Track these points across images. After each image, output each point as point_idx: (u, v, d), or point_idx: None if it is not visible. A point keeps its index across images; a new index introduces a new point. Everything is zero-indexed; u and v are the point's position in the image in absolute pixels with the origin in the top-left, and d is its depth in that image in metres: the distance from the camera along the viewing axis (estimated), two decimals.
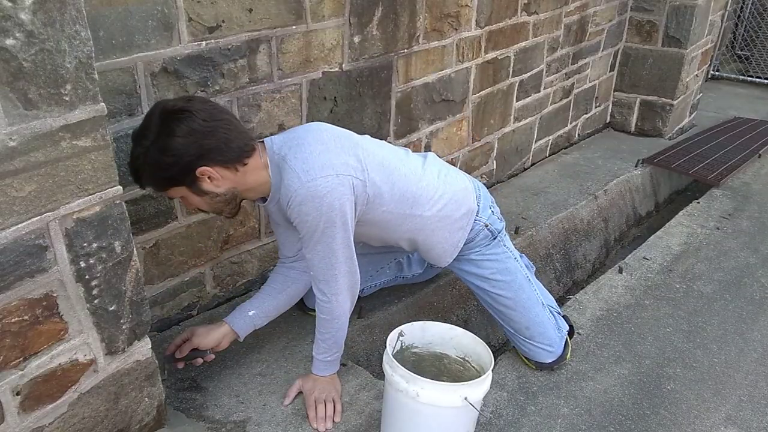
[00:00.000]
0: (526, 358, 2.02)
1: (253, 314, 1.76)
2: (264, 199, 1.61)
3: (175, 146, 1.37)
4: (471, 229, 1.83)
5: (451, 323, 2.41)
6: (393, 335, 1.62)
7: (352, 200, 1.52)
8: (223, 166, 1.45)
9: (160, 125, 1.37)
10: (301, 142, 1.53)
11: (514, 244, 2.26)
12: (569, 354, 2.03)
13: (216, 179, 1.45)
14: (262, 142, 1.57)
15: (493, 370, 1.57)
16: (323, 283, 1.60)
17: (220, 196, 1.49)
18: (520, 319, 1.92)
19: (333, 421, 1.68)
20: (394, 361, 1.51)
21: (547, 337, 1.94)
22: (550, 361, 1.97)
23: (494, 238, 1.88)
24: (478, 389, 1.47)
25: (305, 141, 1.53)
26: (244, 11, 1.83)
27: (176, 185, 1.45)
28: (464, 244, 1.84)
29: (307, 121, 2.18)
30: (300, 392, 1.76)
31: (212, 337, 1.71)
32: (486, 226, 1.85)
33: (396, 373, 1.49)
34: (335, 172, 1.49)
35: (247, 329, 1.77)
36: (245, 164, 1.48)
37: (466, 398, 1.44)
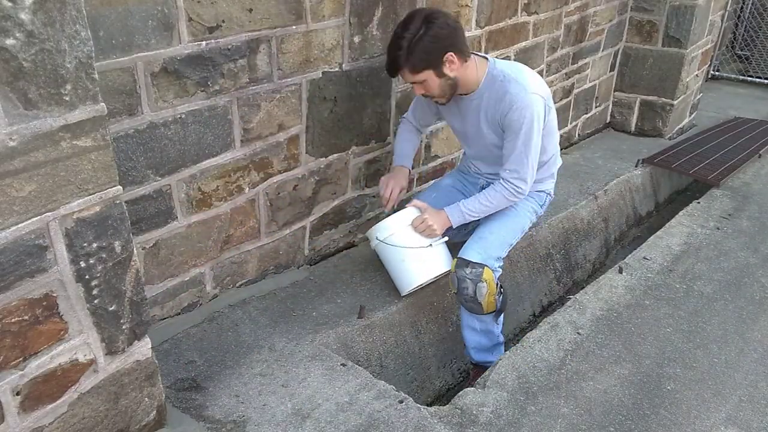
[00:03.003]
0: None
1: (412, 154, 2.40)
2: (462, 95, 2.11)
3: (439, 33, 1.87)
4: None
5: (451, 323, 2.43)
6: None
7: (542, 117, 2.05)
8: (459, 57, 1.94)
9: (424, 21, 1.86)
10: (522, 69, 2.07)
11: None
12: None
13: (454, 64, 1.94)
14: (483, 57, 2.08)
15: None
16: (515, 172, 2.09)
17: (451, 80, 1.97)
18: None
19: (425, 233, 2.14)
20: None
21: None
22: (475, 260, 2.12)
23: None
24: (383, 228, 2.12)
25: (525, 70, 2.08)
26: (244, 11, 1.83)
27: (429, 67, 1.92)
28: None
29: (308, 121, 2.19)
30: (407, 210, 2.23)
31: (406, 178, 2.32)
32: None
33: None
34: (546, 95, 2.06)
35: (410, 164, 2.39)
36: (467, 61, 1.98)
37: (377, 238, 2.12)
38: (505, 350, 2.16)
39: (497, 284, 2.14)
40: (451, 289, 2.19)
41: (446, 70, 1.94)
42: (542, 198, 2.38)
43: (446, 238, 2.20)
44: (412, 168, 2.43)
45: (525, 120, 1.99)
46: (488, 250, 2.13)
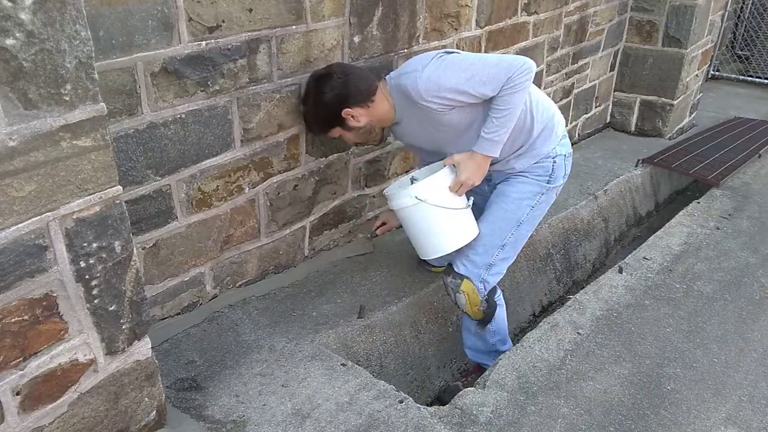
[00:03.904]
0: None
1: None
2: (394, 124, 2.04)
3: (326, 100, 1.92)
4: None
5: (451, 323, 2.43)
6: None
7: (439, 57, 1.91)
8: (359, 106, 1.92)
9: (313, 88, 1.95)
10: (407, 64, 1.98)
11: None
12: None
13: (355, 117, 1.93)
14: (383, 79, 1.99)
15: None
16: (497, 78, 1.82)
17: (363, 128, 1.97)
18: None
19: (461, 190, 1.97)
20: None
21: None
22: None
23: None
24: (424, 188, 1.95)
25: (409, 63, 1.98)
26: (244, 11, 1.83)
27: (333, 126, 1.98)
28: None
29: None
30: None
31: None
32: None
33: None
34: (433, 54, 1.92)
35: None
36: (372, 101, 1.93)
37: (416, 197, 1.95)
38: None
39: (482, 296, 2.07)
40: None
41: (351, 123, 1.95)
42: (546, 167, 2.06)
43: (471, 201, 2.03)
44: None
45: (425, 71, 1.84)
46: (475, 259, 2.04)
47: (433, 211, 1.97)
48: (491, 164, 1.98)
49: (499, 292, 2.21)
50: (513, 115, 1.85)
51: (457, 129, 1.95)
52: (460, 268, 2.05)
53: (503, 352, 2.17)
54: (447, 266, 2.11)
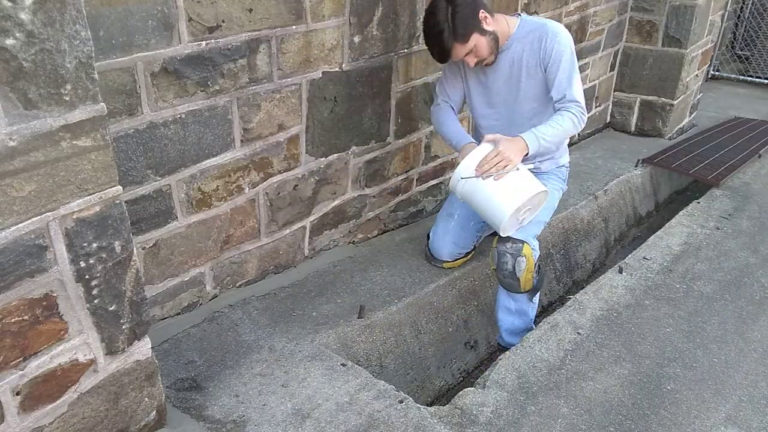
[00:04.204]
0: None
1: (466, 135, 2.36)
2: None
3: (463, 2, 2.03)
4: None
5: (451, 323, 2.43)
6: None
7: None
8: (489, 12, 2.11)
9: (447, 2, 2.03)
10: (551, 21, 2.23)
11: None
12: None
13: (488, 19, 2.10)
14: (515, 14, 2.26)
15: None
16: (570, 98, 2.16)
17: (493, 34, 2.13)
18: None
19: (497, 172, 2.05)
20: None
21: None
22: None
23: None
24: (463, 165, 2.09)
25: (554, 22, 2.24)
26: (244, 11, 1.83)
27: (474, 30, 2.07)
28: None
29: (307, 121, 2.19)
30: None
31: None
32: None
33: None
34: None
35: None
36: (494, 16, 2.15)
37: (461, 177, 2.09)
38: (506, 351, 2.16)
39: (535, 263, 2.22)
40: (491, 266, 2.29)
41: (486, 26, 2.10)
42: (563, 173, 2.48)
43: (532, 165, 2.22)
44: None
45: (566, 47, 2.15)
46: (526, 229, 2.22)
47: (479, 184, 2.07)
48: (526, 159, 2.16)
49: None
50: (561, 136, 2.17)
51: (525, 104, 2.27)
52: (518, 233, 2.20)
53: (531, 330, 2.29)
54: (499, 236, 2.21)
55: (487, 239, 2.56)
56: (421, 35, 2.47)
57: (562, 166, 2.47)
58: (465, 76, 2.34)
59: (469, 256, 2.55)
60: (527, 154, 2.09)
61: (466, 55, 2.11)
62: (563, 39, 2.15)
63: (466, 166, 2.08)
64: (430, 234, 2.50)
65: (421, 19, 2.43)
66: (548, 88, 2.20)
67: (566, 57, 2.14)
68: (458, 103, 2.42)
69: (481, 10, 2.08)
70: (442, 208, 2.56)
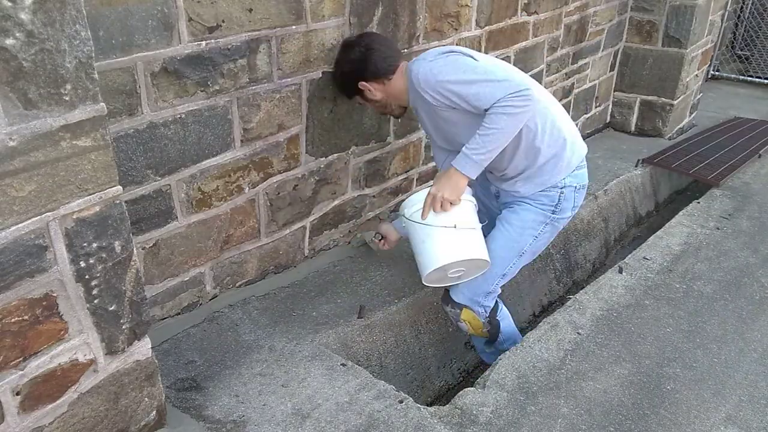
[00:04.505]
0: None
1: None
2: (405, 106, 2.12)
3: (344, 70, 2.06)
4: None
5: (451, 323, 2.42)
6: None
7: (447, 54, 1.95)
8: (374, 81, 2.02)
9: (337, 58, 2.07)
10: (423, 57, 1.98)
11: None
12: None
13: (370, 90, 2.03)
14: (405, 62, 2.05)
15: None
16: (491, 96, 1.78)
17: (378, 101, 2.07)
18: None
19: (442, 209, 1.90)
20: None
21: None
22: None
23: None
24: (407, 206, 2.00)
25: (427, 55, 1.98)
26: (244, 11, 1.83)
27: (352, 94, 2.10)
28: None
29: (307, 121, 2.19)
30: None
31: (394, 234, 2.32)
32: None
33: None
34: (448, 49, 1.97)
35: None
36: (390, 79, 2.01)
37: (403, 215, 2.02)
38: (506, 351, 2.16)
39: (484, 320, 2.13)
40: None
41: (368, 95, 2.06)
42: (553, 198, 2.00)
43: (479, 225, 1.98)
44: None
45: (442, 76, 1.84)
46: (475, 288, 2.07)
47: (419, 229, 1.95)
48: (499, 179, 2.04)
49: (500, 305, 2.21)
50: (499, 137, 1.79)
51: (456, 129, 1.93)
52: (458, 296, 2.08)
53: (516, 339, 2.24)
54: (445, 293, 2.13)
55: None
56: (422, 35, 2.48)
57: (553, 187, 1.99)
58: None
59: None
60: (470, 182, 1.89)
61: (362, 102, 2.13)
62: (428, 70, 1.86)
63: (409, 204, 2.00)
64: None
65: (421, 19, 2.44)
66: (473, 109, 1.84)
67: (452, 83, 1.82)
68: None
69: (361, 82, 2.00)
70: None
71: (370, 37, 2.09)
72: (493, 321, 2.16)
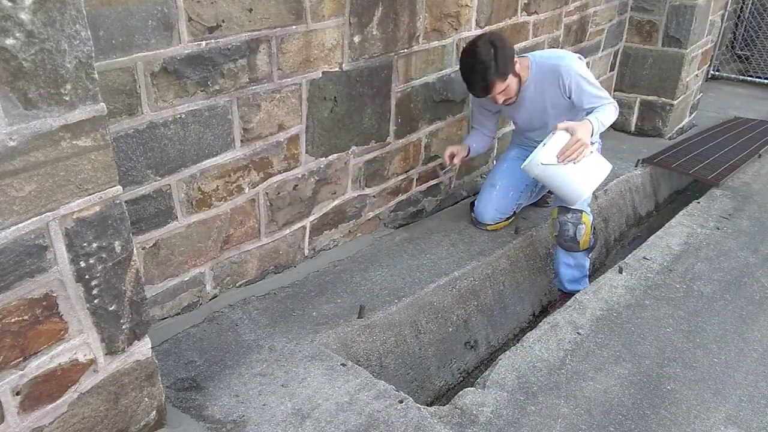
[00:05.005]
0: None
1: (474, 146, 2.79)
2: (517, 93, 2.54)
3: (506, 47, 2.36)
4: None
5: (451, 323, 2.43)
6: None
7: (582, 64, 2.54)
8: (519, 60, 2.46)
9: (490, 44, 2.33)
10: (551, 52, 2.65)
11: (513, 244, 2.74)
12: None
13: (518, 65, 2.44)
14: (524, 56, 2.55)
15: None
16: (601, 100, 2.49)
17: (519, 76, 2.46)
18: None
19: (579, 157, 2.35)
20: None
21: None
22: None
23: None
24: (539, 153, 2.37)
25: (553, 51, 2.66)
26: (244, 11, 1.83)
27: (510, 72, 2.39)
28: None
29: (307, 121, 2.19)
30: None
31: (466, 150, 2.76)
32: None
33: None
34: (575, 54, 2.57)
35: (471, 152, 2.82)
36: (516, 62, 2.44)
37: (541, 162, 2.36)
38: (506, 351, 2.16)
39: (592, 225, 2.55)
40: (552, 234, 2.64)
41: (517, 69, 2.43)
42: (598, 148, 2.67)
43: (597, 145, 2.56)
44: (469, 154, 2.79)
45: (576, 75, 2.44)
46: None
47: (560, 169, 2.35)
48: None
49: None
50: (611, 120, 2.48)
51: (559, 112, 2.54)
52: (577, 205, 2.51)
53: (588, 276, 2.71)
54: (559, 208, 2.55)
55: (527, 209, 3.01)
56: (422, 35, 2.48)
57: (594, 143, 2.64)
58: (497, 110, 2.72)
59: (510, 221, 2.88)
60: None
61: (499, 92, 2.41)
62: (575, 71, 2.44)
63: (546, 153, 2.33)
64: (475, 202, 2.87)
65: (421, 19, 2.44)
66: (578, 106, 2.50)
67: (584, 83, 2.45)
68: (492, 129, 2.83)
69: (515, 57, 2.41)
70: (486, 178, 2.95)
71: (489, 34, 2.46)
72: (594, 230, 2.61)
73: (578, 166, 2.35)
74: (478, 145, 2.81)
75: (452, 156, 2.69)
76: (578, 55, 2.56)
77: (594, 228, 2.59)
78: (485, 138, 2.84)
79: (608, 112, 2.46)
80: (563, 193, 2.47)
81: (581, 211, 2.52)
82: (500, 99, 2.46)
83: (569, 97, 2.49)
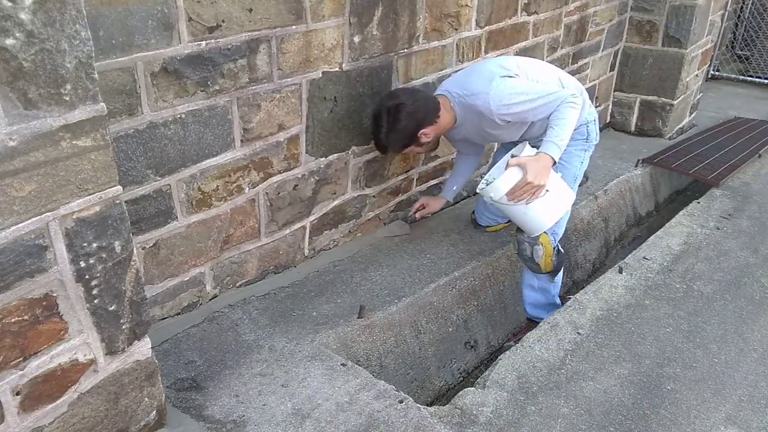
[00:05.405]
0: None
1: (456, 188, 2.73)
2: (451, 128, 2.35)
3: (405, 126, 2.20)
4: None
5: (451, 323, 2.43)
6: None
7: (508, 83, 2.20)
8: (430, 125, 2.23)
9: (389, 115, 2.19)
10: (466, 79, 2.30)
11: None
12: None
13: (428, 134, 2.25)
14: (442, 95, 2.30)
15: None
16: (552, 105, 2.15)
17: (431, 141, 2.32)
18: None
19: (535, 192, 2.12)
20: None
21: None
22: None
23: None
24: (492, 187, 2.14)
25: (467, 75, 2.32)
26: (244, 11, 1.83)
27: (408, 147, 2.29)
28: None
29: (307, 121, 2.19)
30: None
31: (440, 205, 2.78)
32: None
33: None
34: (498, 64, 2.28)
35: (454, 195, 2.77)
36: (438, 116, 2.24)
37: (491, 197, 2.16)
38: (506, 351, 2.16)
39: (554, 247, 2.36)
40: (513, 249, 2.49)
41: (423, 140, 2.26)
42: (582, 132, 2.41)
43: (559, 174, 2.24)
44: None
45: (503, 106, 2.15)
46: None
47: (511, 208, 2.20)
48: (540, 135, 2.25)
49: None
50: (569, 124, 2.13)
51: (511, 131, 2.34)
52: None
53: (558, 306, 2.48)
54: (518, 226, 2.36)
55: None
56: (422, 35, 2.48)
57: (581, 125, 2.39)
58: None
59: (509, 222, 2.70)
60: (555, 163, 2.13)
61: (412, 151, 2.36)
62: (499, 103, 2.14)
63: (496, 189, 2.12)
64: (475, 206, 2.84)
65: (421, 19, 2.44)
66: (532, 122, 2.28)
67: (517, 107, 2.15)
68: (476, 147, 2.64)
69: (421, 130, 2.21)
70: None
71: (405, 92, 2.27)
72: (559, 251, 2.42)
73: (531, 206, 2.15)
74: (467, 171, 2.71)
75: (421, 208, 2.71)
76: (499, 58, 2.35)
77: (558, 251, 2.40)
78: (471, 158, 2.69)
79: (566, 116, 2.12)
80: (518, 223, 2.33)
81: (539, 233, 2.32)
82: (421, 150, 2.36)
83: (508, 123, 2.23)
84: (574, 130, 2.30)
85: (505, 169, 2.14)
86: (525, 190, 2.09)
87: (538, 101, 2.14)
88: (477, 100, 2.18)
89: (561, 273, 2.53)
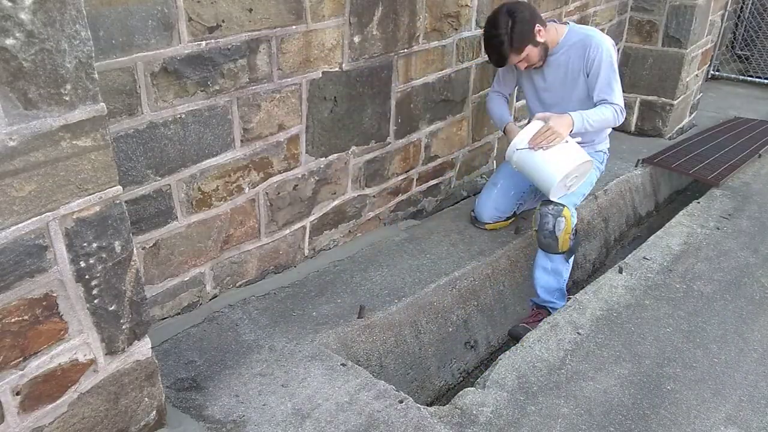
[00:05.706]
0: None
1: (508, 116, 2.80)
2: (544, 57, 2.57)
3: (524, 18, 2.37)
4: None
5: (451, 323, 2.43)
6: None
7: (614, 56, 2.57)
8: (543, 26, 2.45)
9: (509, 15, 2.36)
10: (594, 28, 2.64)
11: (514, 244, 2.74)
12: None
13: (541, 32, 2.44)
14: (564, 23, 2.61)
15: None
16: (608, 97, 2.52)
17: (544, 44, 2.48)
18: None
19: (547, 144, 2.40)
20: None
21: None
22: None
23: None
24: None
25: (597, 30, 2.63)
26: (244, 11, 1.83)
27: (527, 43, 2.41)
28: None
29: (307, 121, 2.19)
30: None
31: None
32: None
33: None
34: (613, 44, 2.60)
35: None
36: (546, 27, 2.48)
37: (516, 148, 2.47)
38: (506, 351, 2.16)
39: (573, 227, 2.48)
40: (533, 227, 2.60)
41: (538, 38, 2.44)
42: (601, 157, 2.79)
43: (579, 138, 2.49)
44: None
45: (604, 54, 2.47)
46: (567, 197, 2.54)
47: (531, 154, 2.42)
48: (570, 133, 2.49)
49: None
50: (605, 122, 2.51)
51: (572, 95, 2.59)
52: (560, 199, 2.50)
53: (567, 299, 2.56)
54: (543, 201, 2.52)
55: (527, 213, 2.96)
56: (422, 35, 2.48)
57: (600, 151, 2.77)
58: (518, 77, 2.74)
59: (509, 222, 2.89)
60: (572, 131, 2.41)
61: (517, 62, 2.47)
62: (605, 50, 2.47)
63: (521, 138, 2.44)
64: (476, 200, 2.88)
65: (421, 19, 2.44)
66: (590, 92, 2.54)
67: (606, 66, 2.48)
68: (507, 92, 2.85)
69: (537, 25, 2.41)
70: (489, 178, 2.98)
71: (510, 4, 2.44)
72: (577, 231, 2.56)
73: (548, 153, 2.40)
74: (505, 111, 2.81)
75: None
76: (613, 42, 2.59)
77: (576, 231, 2.54)
78: (504, 99, 2.86)
79: (602, 113, 2.48)
80: (536, 180, 2.51)
81: (563, 205, 2.50)
82: (522, 66, 2.52)
83: (587, 76, 2.52)
84: (594, 151, 2.71)
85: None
86: (545, 136, 2.38)
87: (615, 87, 2.50)
88: (595, 34, 2.51)
89: (572, 259, 2.62)
